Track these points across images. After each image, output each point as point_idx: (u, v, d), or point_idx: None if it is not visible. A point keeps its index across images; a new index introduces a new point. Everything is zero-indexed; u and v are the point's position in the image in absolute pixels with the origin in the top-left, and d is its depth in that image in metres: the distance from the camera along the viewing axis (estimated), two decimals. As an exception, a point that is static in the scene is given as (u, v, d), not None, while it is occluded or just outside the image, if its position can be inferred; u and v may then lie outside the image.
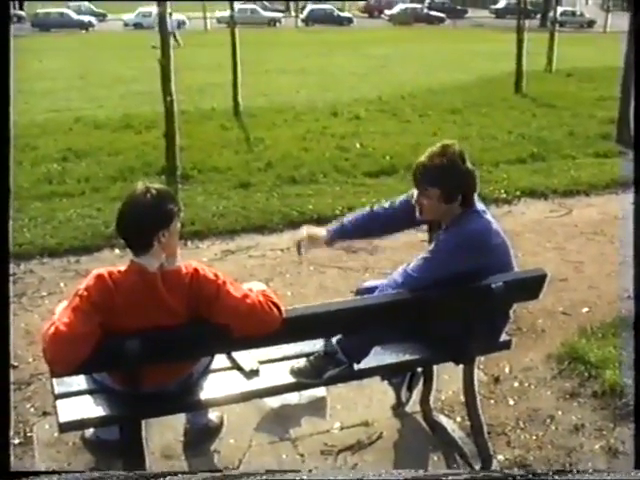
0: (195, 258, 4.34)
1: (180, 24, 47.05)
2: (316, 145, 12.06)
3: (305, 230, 4.31)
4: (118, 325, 3.21)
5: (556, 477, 2.41)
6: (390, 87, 19.33)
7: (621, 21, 52.81)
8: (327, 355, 3.81)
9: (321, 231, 4.29)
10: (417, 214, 3.88)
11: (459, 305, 3.90)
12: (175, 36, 35.92)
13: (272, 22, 59.08)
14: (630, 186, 9.93)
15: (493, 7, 69.76)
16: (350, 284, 6.48)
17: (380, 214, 4.21)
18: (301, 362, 3.84)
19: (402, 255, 6.21)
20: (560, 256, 7.44)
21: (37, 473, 3.01)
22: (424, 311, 3.86)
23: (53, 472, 3.07)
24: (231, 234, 7.99)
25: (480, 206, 3.84)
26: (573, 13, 61.58)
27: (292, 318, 3.47)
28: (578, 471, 3.72)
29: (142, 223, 3.30)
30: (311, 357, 3.84)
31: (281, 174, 10.09)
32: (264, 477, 2.40)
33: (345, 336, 3.81)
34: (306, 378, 3.83)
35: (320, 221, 8.32)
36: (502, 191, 9.38)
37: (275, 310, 3.39)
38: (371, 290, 4.14)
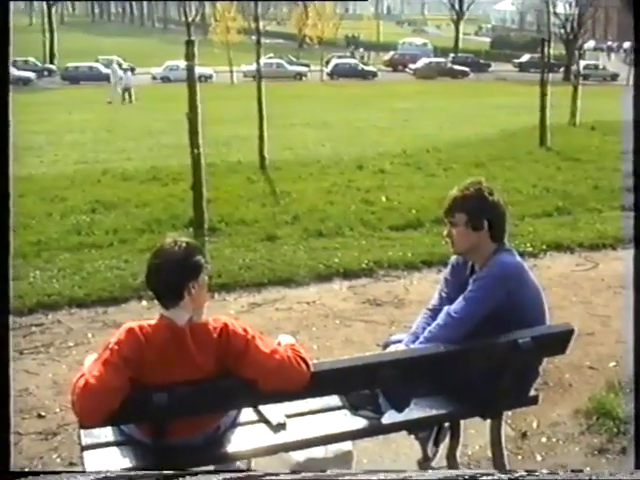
0: (222, 311, 4.37)
1: (206, 78, 47.72)
2: (342, 198, 12.11)
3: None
4: (147, 379, 3.25)
5: (557, 477, 2.41)
6: (414, 140, 19.44)
7: (645, 75, 52.88)
8: (370, 395, 3.86)
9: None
10: (451, 249, 4.10)
11: (487, 360, 3.91)
12: (130, 92, 36.51)
13: (298, 76, 59.74)
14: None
15: (516, 61, 70.15)
16: (376, 338, 6.49)
17: (438, 308, 4.20)
18: None
19: (428, 308, 6.23)
20: (587, 310, 7.41)
21: (37, 473, 3.03)
22: (452, 365, 3.88)
23: (53, 472, 3.09)
24: (258, 287, 8.02)
25: (513, 249, 4.06)
26: (596, 66, 61.85)
27: (320, 372, 3.49)
28: (578, 471, 3.71)
29: (172, 275, 3.34)
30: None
31: (307, 227, 10.13)
32: (288, 477, 2.41)
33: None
34: (346, 402, 3.91)
35: (347, 275, 8.40)
36: (528, 245, 9.36)
37: (303, 366, 3.41)
38: (399, 342, 4.19)
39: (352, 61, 64.54)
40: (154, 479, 2.90)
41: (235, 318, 3.58)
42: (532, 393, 4.16)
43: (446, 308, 3.93)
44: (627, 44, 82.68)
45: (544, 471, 3.42)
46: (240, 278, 8.16)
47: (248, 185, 13.26)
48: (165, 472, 2.91)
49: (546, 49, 20.54)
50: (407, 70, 65.00)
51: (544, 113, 17.92)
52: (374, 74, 62.02)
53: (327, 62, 62.46)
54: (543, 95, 18.01)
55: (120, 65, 61.57)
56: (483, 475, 2.68)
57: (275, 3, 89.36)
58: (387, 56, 72.04)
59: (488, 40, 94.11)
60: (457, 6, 79.37)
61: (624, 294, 7.92)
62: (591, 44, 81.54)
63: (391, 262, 8.79)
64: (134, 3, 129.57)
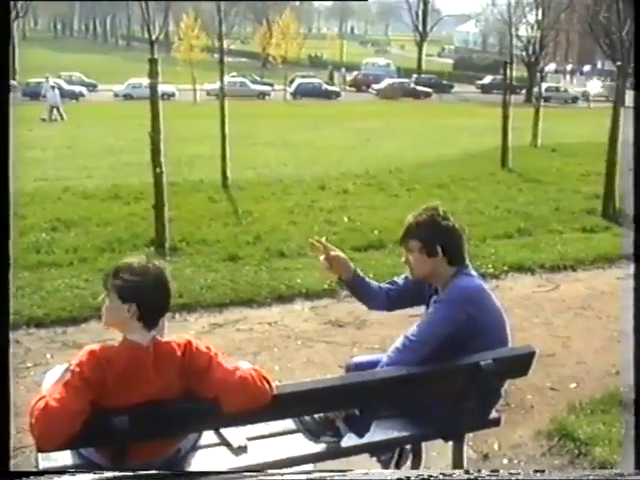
0: (183, 331, 4.30)
1: (169, 96, 47.60)
2: (304, 219, 12.10)
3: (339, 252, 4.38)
4: (109, 401, 3.21)
5: (557, 477, 2.41)
6: (377, 161, 19.48)
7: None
8: (329, 420, 3.84)
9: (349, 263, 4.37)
10: (410, 273, 4.14)
11: (449, 382, 3.91)
12: (59, 110, 36.25)
13: (261, 95, 59.79)
14: (616, 261, 10.03)
15: (479, 82, 70.88)
16: (338, 359, 6.48)
17: (389, 290, 4.35)
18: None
19: (390, 330, 6.24)
20: (548, 331, 7.45)
21: (37, 473, 3.00)
22: (414, 388, 3.87)
23: (54, 472, 3.06)
24: (219, 307, 7.96)
25: (474, 272, 4.07)
26: (557, 89, 62.70)
27: (282, 395, 3.46)
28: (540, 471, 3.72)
29: (164, 296, 3.36)
30: (317, 416, 3.86)
31: (270, 247, 10.09)
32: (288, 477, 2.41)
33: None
34: (304, 431, 3.89)
35: (308, 295, 8.38)
36: (490, 266, 9.40)
37: (266, 385, 3.40)
38: (361, 366, 4.19)
39: (315, 81, 64.69)
40: None
41: (197, 338, 3.55)
42: (494, 415, 4.16)
43: (404, 334, 3.91)
44: (587, 67, 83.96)
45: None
46: (201, 298, 8.10)
47: (210, 204, 13.22)
48: (165, 472, 2.86)
49: (508, 71, 20.78)
50: (370, 90, 65.31)
51: (506, 135, 18.12)
52: (337, 94, 62.27)
53: (291, 81, 62.63)
54: (505, 117, 18.21)
55: (82, 82, 61.45)
56: (445, 476, 2.68)
57: (239, 21, 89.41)
58: (351, 76, 72.43)
59: (451, 61, 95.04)
60: (420, 27, 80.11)
61: (585, 315, 8.01)
62: (552, 67, 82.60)
63: (353, 283, 8.76)
64: (97, 20, 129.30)
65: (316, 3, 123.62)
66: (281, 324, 7.60)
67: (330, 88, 63.86)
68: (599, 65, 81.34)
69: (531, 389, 5.97)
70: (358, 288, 4.39)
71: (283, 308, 8.09)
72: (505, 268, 9.51)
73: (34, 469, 3.14)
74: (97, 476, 2.83)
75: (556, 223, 11.95)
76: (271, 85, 64.32)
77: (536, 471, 4.04)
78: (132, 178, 15.31)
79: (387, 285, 4.35)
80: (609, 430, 5.17)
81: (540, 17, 65.21)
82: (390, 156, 20.76)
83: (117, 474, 2.71)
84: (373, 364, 4.02)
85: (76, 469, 3.50)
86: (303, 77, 66.53)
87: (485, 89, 67.34)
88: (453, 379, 3.90)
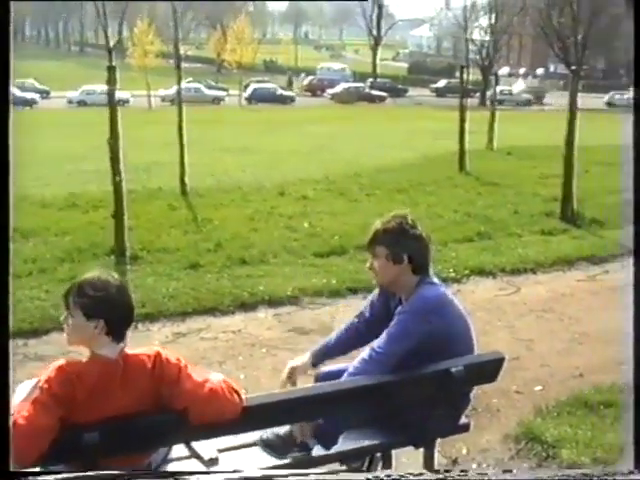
0: (146, 341, 4.27)
1: (124, 102, 47.25)
2: (265, 225, 12.08)
3: (288, 365, 4.28)
4: (80, 416, 3.17)
5: (555, 475, 2.42)
6: (336, 166, 19.47)
7: (557, 100, 54.40)
8: (294, 438, 3.83)
9: (304, 358, 4.28)
10: (373, 281, 4.20)
11: (420, 390, 3.92)
12: None
13: (216, 100, 59.56)
14: (575, 263, 10.14)
15: (433, 86, 71.27)
16: (304, 366, 6.46)
17: (358, 326, 4.31)
18: (270, 434, 3.85)
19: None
20: (511, 335, 7.51)
21: (37, 473, 2.96)
22: (385, 396, 3.87)
23: (54, 472, 3.03)
24: (182, 316, 7.92)
25: (437, 280, 4.09)
26: (511, 92, 63.17)
27: (252, 406, 3.45)
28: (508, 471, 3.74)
29: (129, 309, 3.35)
30: (281, 433, 3.84)
31: (231, 255, 10.04)
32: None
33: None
34: (271, 451, 3.86)
35: (272, 303, 8.36)
36: (451, 270, 9.46)
37: (236, 396, 3.39)
38: (329, 374, 4.19)
39: (270, 86, 64.60)
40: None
41: (163, 346, 3.52)
42: (464, 420, 4.19)
43: (369, 350, 3.92)
44: (540, 70, 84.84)
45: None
46: (164, 307, 8.05)
47: (169, 212, 13.12)
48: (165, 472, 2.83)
49: (464, 75, 20.92)
50: (325, 95, 65.37)
51: (463, 138, 18.23)
52: (292, 99, 62.22)
53: (245, 86, 62.46)
54: (462, 121, 18.32)
55: (35, 88, 60.68)
56: (415, 476, 2.69)
57: (194, 27, 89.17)
58: (306, 81, 72.47)
59: (405, 65, 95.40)
60: (375, 32, 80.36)
61: (546, 318, 8.08)
62: (506, 70, 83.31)
63: (316, 289, 8.79)
64: (49, 25, 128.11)
65: (270, 7, 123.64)
66: (245, 332, 7.58)
67: (285, 93, 63.82)
68: (552, 68, 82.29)
69: (497, 393, 6.00)
70: (330, 356, 4.35)
71: (246, 316, 8.07)
72: (466, 272, 9.57)
73: (34, 469, 3.10)
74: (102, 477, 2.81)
75: (515, 226, 12.07)
76: (226, 90, 64.16)
77: (505, 471, 4.06)
78: (90, 186, 15.13)
79: (355, 322, 4.33)
80: (575, 432, 5.23)
81: (493, 21, 65.78)
82: (348, 161, 20.78)
83: (116, 473, 2.68)
84: (341, 373, 4.02)
85: (76, 470, 3.47)
86: (258, 82, 66.37)
87: (440, 93, 67.71)
88: (424, 386, 3.91)
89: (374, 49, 79.48)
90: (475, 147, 19.81)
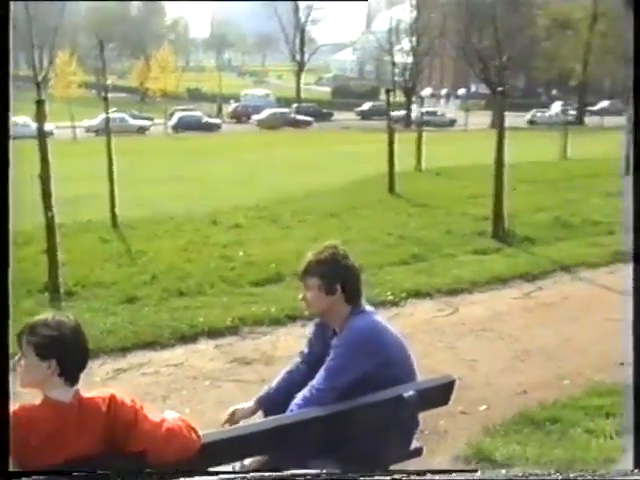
0: (86, 379, 4.16)
1: (47, 134, 46.61)
2: (199, 255, 11.95)
3: (231, 409, 4.31)
4: (32, 462, 3.09)
5: (556, 477, 2.43)
6: (266, 192, 19.38)
7: (480, 119, 55.35)
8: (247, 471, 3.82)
9: (249, 404, 4.34)
10: (306, 311, 4.29)
11: (372, 417, 3.91)
12: None
13: (141, 130, 59.17)
14: (509, 281, 10.29)
15: (358, 109, 71.88)
16: (249, 397, 6.37)
17: (300, 366, 4.36)
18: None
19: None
20: (453, 355, 7.57)
21: (37, 473, 2.88)
22: (337, 426, 3.87)
23: (54, 472, 2.95)
24: (122, 351, 7.78)
25: (369, 308, 4.13)
26: (435, 113, 64.08)
27: (210, 443, 3.42)
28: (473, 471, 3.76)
29: (85, 350, 3.29)
30: (237, 467, 3.83)
31: (167, 287, 9.92)
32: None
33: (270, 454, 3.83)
34: None
35: (212, 334, 8.29)
36: (388, 293, 9.49)
37: (194, 434, 3.36)
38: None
39: (196, 113, 64.47)
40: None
41: (102, 385, 3.47)
42: (416, 445, 4.22)
43: (309, 387, 3.94)
44: (462, 91, 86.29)
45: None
46: (103, 343, 7.89)
47: (102, 245, 12.91)
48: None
49: (388, 98, 21.17)
50: (251, 121, 65.45)
51: (392, 160, 18.34)
52: (218, 126, 62.19)
53: (171, 115, 62.21)
54: (390, 143, 18.46)
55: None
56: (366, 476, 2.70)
57: (116, 56, 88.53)
58: (231, 108, 72.49)
59: (329, 89, 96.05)
60: (298, 56, 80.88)
61: (486, 337, 8.17)
62: (428, 91, 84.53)
63: (256, 318, 8.74)
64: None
65: (192, 35, 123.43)
66: (187, 365, 7.50)
67: (211, 121, 63.71)
68: (473, 88, 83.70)
69: (443, 414, 6.01)
70: (276, 401, 4.32)
71: (187, 348, 7.98)
72: (403, 295, 9.60)
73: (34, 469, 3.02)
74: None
75: (448, 247, 12.18)
76: (151, 119, 63.78)
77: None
78: (20, 221, 14.80)
79: (297, 362, 4.38)
80: (524, 450, 5.28)
81: (415, 43, 66.77)
82: (278, 187, 20.74)
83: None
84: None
85: (76, 470, 3.40)
86: (183, 110, 66.16)
87: (365, 116, 68.39)
88: (377, 413, 3.91)
89: (298, 74, 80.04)
90: (403, 169, 19.97)
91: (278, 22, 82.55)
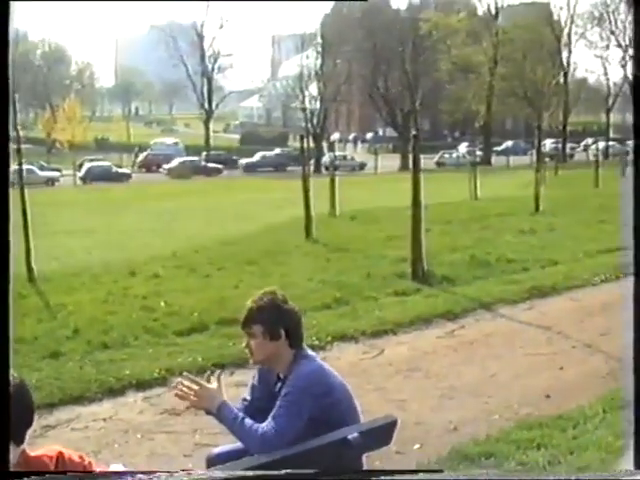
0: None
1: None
2: (121, 307, 11.78)
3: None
4: None
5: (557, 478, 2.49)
6: (182, 241, 19.25)
7: (389, 162, 56.10)
8: None
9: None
10: (250, 360, 4.25)
11: (320, 460, 3.95)
12: None
13: (50, 182, 58.20)
14: (432, 321, 10.47)
15: (243, 162, 71.75)
16: (182, 448, 6.43)
17: (242, 411, 4.28)
18: None
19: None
20: (382, 396, 7.66)
21: (37, 473, 2.82)
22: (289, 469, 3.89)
23: (54, 472, 2.90)
24: (49, 408, 7.62)
25: (310, 352, 4.24)
26: (344, 157, 64.77)
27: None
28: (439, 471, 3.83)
29: (31, 406, 3.24)
30: None
31: (91, 340, 9.77)
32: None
33: None
34: None
35: (139, 386, 8.22)
36: (314, 338, 9.50)
37: None
38: (222, 456, 4.20)
39: (105, 164, 63.78)
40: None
41: (29, 444, 3.42)
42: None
43: (260, 429, 3.93)
44: (369, 135, 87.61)
45: None
46: (29, 400, 7.75)
47: (19, 300, 12.58)
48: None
49: (302, 144, 21.38)
50: (161, 170, 65.05)
51: (308, 206, 18.46)
52: (128, 176, 61.63)
53: (80, 166, 61.46)
54: (306, 190, 18.61)
55: None
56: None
57: (20, 108, 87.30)
58: (140, 157, 72.00)
59: (237, 136, 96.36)
60: (206, 104, 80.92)
61: (414, 376, 8.29)
62: (336, 136, 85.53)
63: (183, 368, 8.65)
64: None
65: (99, 84, 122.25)
66: (116, 418, 7.43)
67: (120, 171, 63.13)
68: (380, 132, 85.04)
69: (377, 455, 6.03)
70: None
71: (115, 402, 7.91)
72: (329, 339, 9.67)
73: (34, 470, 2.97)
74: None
75: (369, 289, 12.31)
76: (59, 171, 62.88)
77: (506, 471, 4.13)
78: None
79: (239, 407, 4.32)
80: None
81: (322, 89, 67.62)
82: (193, 235, 20.65)
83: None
84: (234, 454, 4.04)
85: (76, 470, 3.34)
86: (92, 161, 65.43)
87: (252, 167, 68.29)
88: (323, 456, 3.95)
89: (206, 122, 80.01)
90: (317, 213, 20.07)
91: (184, 70, 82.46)
